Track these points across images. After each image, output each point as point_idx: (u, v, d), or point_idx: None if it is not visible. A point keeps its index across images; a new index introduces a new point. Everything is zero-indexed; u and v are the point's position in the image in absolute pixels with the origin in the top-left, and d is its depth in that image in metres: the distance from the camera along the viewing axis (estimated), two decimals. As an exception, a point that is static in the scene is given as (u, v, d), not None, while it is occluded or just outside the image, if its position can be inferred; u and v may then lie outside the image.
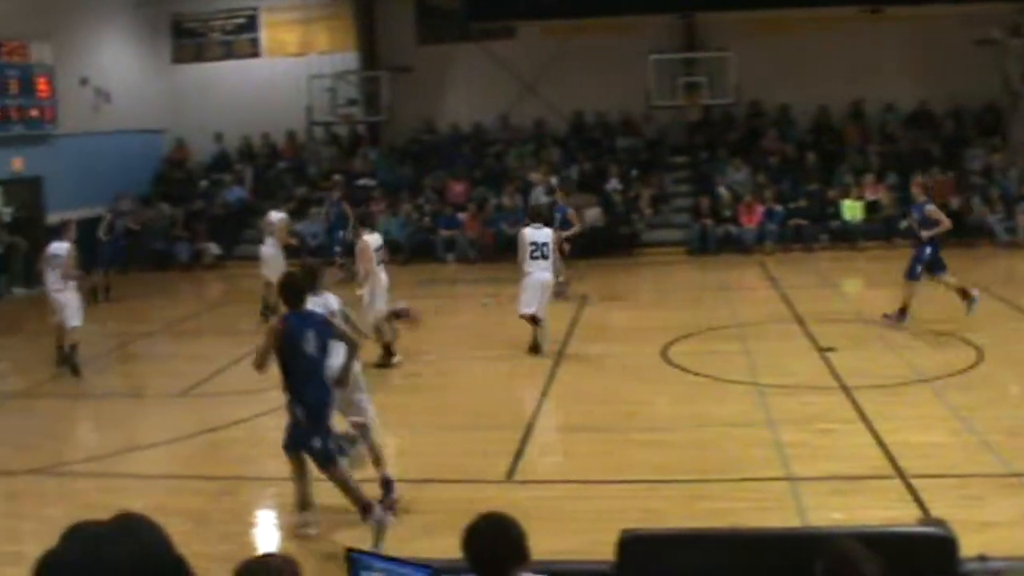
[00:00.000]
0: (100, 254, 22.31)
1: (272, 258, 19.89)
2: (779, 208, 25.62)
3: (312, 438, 9.26)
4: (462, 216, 26.23)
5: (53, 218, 24.45)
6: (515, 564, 4.68)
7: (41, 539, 7.16)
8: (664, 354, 15.31)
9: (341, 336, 9.62)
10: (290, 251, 20.64)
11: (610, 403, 13.08)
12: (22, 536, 10.04)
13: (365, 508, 8.98)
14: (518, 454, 11.21)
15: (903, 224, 19.63)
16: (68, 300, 16.53)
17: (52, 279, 16.54)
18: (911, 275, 16.50)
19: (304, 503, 9.52)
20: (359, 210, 17.97)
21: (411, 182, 28.31)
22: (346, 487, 9.14)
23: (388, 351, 15.63)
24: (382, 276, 15.64)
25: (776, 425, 11.67)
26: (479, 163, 28.84)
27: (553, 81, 28.80)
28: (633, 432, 11.89)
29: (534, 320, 15.90)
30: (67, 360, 16.38)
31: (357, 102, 29.25)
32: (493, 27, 28.17)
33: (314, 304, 10.08)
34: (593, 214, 25.40)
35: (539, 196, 24.40)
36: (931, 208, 16.77)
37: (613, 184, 26.55)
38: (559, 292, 18.75)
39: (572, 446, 11.56)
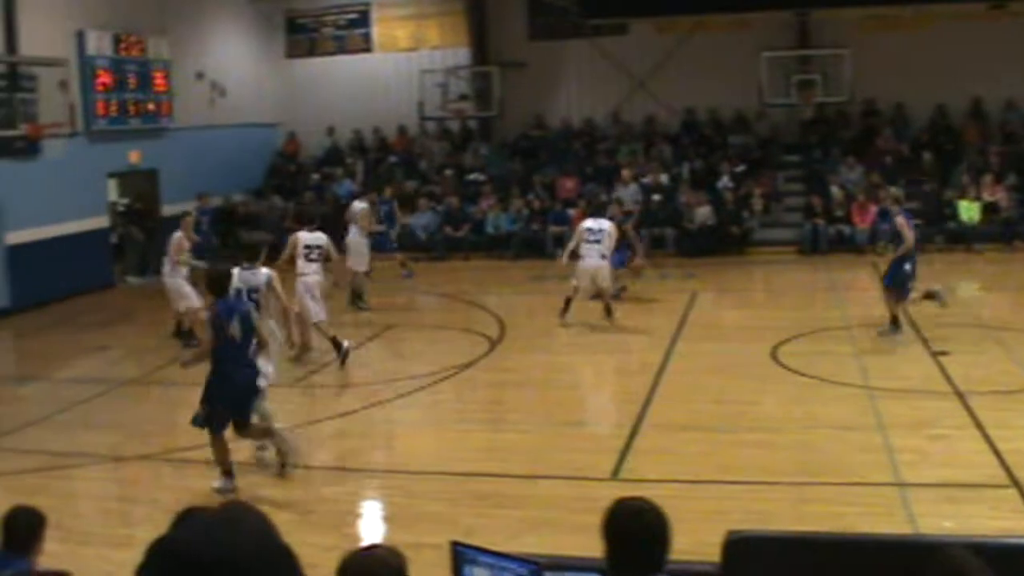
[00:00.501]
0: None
1: (356, 247, 20.15)
2: (893, 208, 25.16)
3: (241, 412, 10.67)
4: (572, 212, 26.16)
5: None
6: (662, 552, 4.52)
7: (152, 523, 7.34)
8: (774, 354, 15.13)
9: (258, 333, 10.90)
10: (375, 240, 20.89)
11: (718, 402, 12.98)
12: (134, 520, 10.25)
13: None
14: (624, 451, 11.18)
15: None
16: (180, 286, 17.19)
17: (168, 268, 17.36)
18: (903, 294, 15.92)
19: (226, 470, 10.67)
20: (296, 207, 17.97)
21: (521, 177, 28.32)
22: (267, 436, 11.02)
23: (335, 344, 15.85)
24: (315, 276, 16.17)
25: (886, 429, 11.47)
26: (589, 159, 28.76)
27: (665, 78, 28.62)
28: (741, 432, 11.78)
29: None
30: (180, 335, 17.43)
31: (468, 97, 29.36)
32: (605, 23, 28.06)
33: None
34: (704, 212, 25.22)
35: (632, 193, 24.35)
36: (900, 220, 16.05)
37: (724, 182, 26.30)
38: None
39: (679, 445, 11.47)
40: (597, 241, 17.14)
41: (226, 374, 10.64)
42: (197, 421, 10.72)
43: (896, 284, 15.90)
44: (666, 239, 25.43)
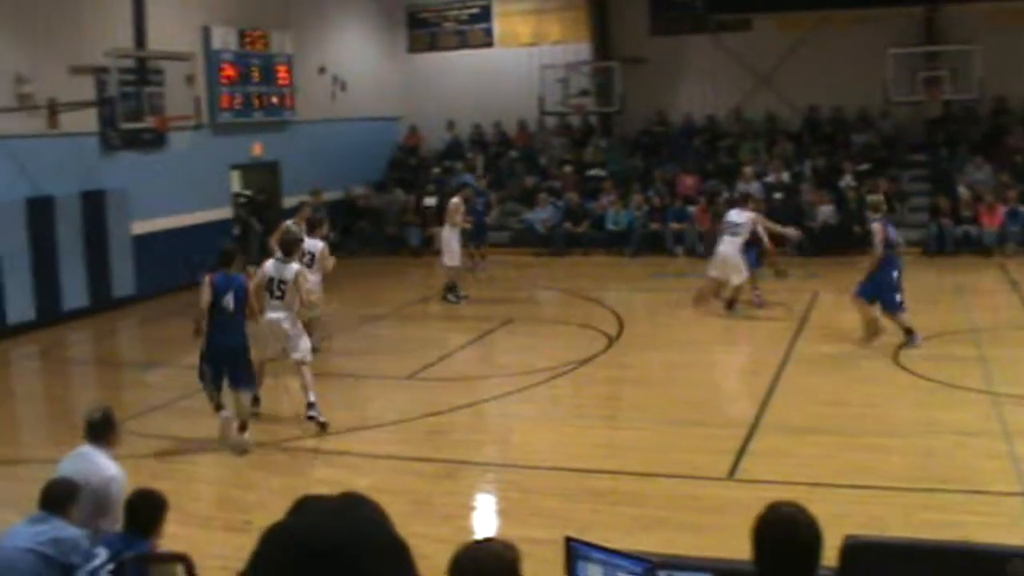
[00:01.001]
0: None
1: (447, 243, 20.37)
2: (1023, 209, 24.56)
3: (245, 369, 12.16)
4: (692, 209, 25.98)
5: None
6: (815, 563, 4.34)
7: (267, 510, 7.43)
8: (895, 357, 14.86)
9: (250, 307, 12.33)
10: (466, 234, 21.16)
11: (838, 405, 12.78)
12: (251, 506, 10.40)
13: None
14: (741, 452, 11.06)
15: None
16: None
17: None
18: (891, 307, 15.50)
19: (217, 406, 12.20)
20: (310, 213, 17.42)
21: (641, 174, 28.20)
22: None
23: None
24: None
25: (1012, 437, 11.16)
26: (711, 156, 28.52)
27: (787, 74, 28.26)
28: (860, 436, 11.59)
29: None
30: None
31: (589, 92, 29.28)
32: (728, 19, 27.81)
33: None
34: (826, 211, 24.86)
35: (756, 190, 24.11)
36: (875, 226, 15.64)
37: (847, 181, 25.88)
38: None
39: (796, 447, 11.31)
40: (735, 234, 17.62)
41: (215, 339, 12.05)
42: (198, 374, 12.26)
43: (875, 293, 15.56)
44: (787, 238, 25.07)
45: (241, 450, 12.02)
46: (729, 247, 17.80)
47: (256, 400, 13.04)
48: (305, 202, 19.11)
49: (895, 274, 15.47)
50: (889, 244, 15.53)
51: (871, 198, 17.34)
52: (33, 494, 7.24)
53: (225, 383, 12.13)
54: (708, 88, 29.48)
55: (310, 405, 12.63)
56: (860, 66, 26.55)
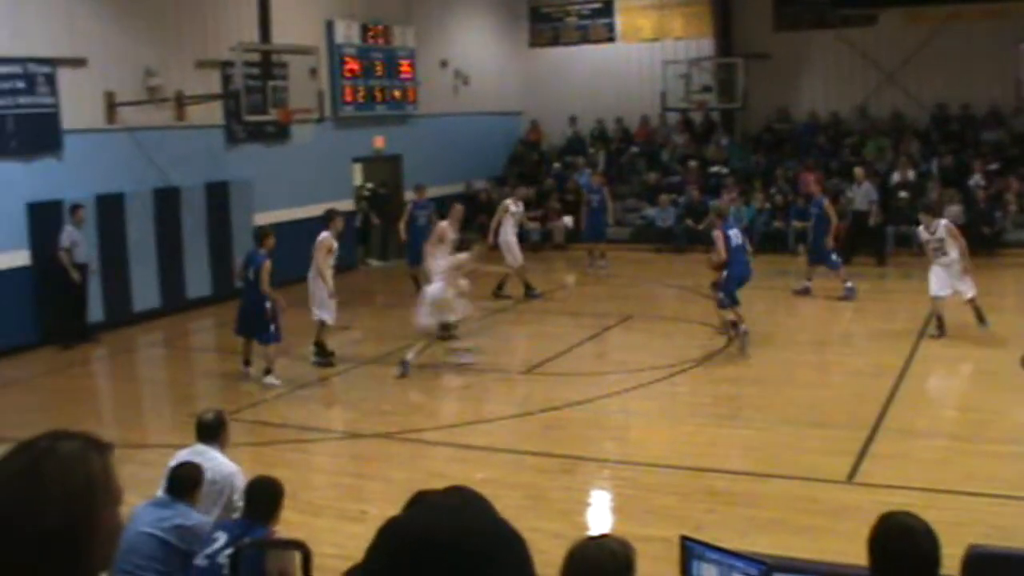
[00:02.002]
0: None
1: (506, 245, 20.64)
2: None
3: (263, 327, 14.91)
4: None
5: (411, 196, 25.51)
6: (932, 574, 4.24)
7: (385, 500, 7.47)
8: (1024, 361, 14.47)
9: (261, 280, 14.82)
10: (588, 229, 21.39)
11: (962, 409, 12.52)
12: (368, 496, 10.50)
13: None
14: (861, 455, 10.87)
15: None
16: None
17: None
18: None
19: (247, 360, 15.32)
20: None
21: (764, 171, 27.90)
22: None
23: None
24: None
25: None
26: (835, 154, 28.09)
27: (914, 70, 27.72)
28: (985, 442, 11.31)
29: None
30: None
31: (711, 89, 29.01)
32: (853, 14, 27.36)
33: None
34: (954, 211, 24.31)
35: (865, 192, 23.70)
36: (716, 233, 16.22)
37: (976, 180, 25.30)
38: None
39: (918, 451, 11.08)
40: (941, 251, 16.46)
41: (241, 303, 15.53)
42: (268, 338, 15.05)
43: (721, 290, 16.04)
44: (912, 238, 24.60)
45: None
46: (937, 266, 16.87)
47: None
48: (456, 204, 19.26)
49: (735, 275, 15.94)
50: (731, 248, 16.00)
51: (715, 204, 18.46)
52: (156, 478, 7.38)
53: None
54: (832, 84, 29.07)
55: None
56: (990, 62, 25.96)
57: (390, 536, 2.06)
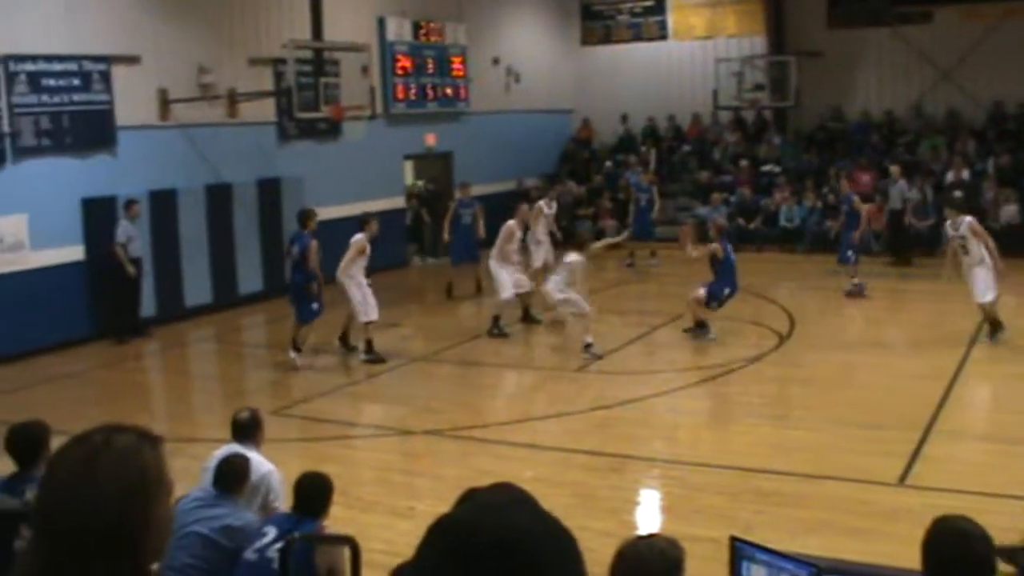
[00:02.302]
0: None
1: (536, 245, 20.48)
2: None
3: (306, 305, 15.65)
4: (868, 207, 25.40)
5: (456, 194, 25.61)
6: None
7: (434, 497, 7.48)
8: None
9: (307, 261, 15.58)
10: (554, 239, 21.17)
11: (1016, 412, 12.34)
12: (417, 493, 10.51)
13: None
14: (913, 457, 10.76)
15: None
16: (500, 275, 17.59)
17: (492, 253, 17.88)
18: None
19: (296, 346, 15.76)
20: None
21: (816, 170, 27.71)
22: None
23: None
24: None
25: None
26: (888, 153, 27.85)
27: (971, 68, 27.41)
28: (1041, 444, 11.18)
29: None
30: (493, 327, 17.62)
31: (764, 87, 28.85)
32: (909, 11, 27.12)
33: None
34: (1009, 211, 24.06)
35: (900, 189, 23.49)
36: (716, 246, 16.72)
37: (1032, 179, 25.02)
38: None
39: (972, 454, 10.97)
40: (964, 249, 16.08)
41: (289, 284, 16.35)
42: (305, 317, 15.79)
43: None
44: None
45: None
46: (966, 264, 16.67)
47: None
48: (521, 204, 19.36)
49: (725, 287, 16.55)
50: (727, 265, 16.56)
51: (716, 221, 18.60)
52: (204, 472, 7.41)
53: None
54: (886, 83, 28.82)
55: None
56: (1050, 59, 25.66)
57: (441, 533, 2.06)
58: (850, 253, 19.99)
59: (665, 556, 3.98)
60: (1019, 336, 16.32)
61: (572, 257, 15.91)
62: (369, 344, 16.18)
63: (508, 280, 17.63)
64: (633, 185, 26.09)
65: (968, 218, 15.93)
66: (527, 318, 18.09)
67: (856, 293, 19.71)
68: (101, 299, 17.99)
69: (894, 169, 23.98)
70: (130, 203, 17.96)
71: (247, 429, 7.93)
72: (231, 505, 6.84)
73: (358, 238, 16.10)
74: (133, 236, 17.91)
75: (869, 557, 7.23)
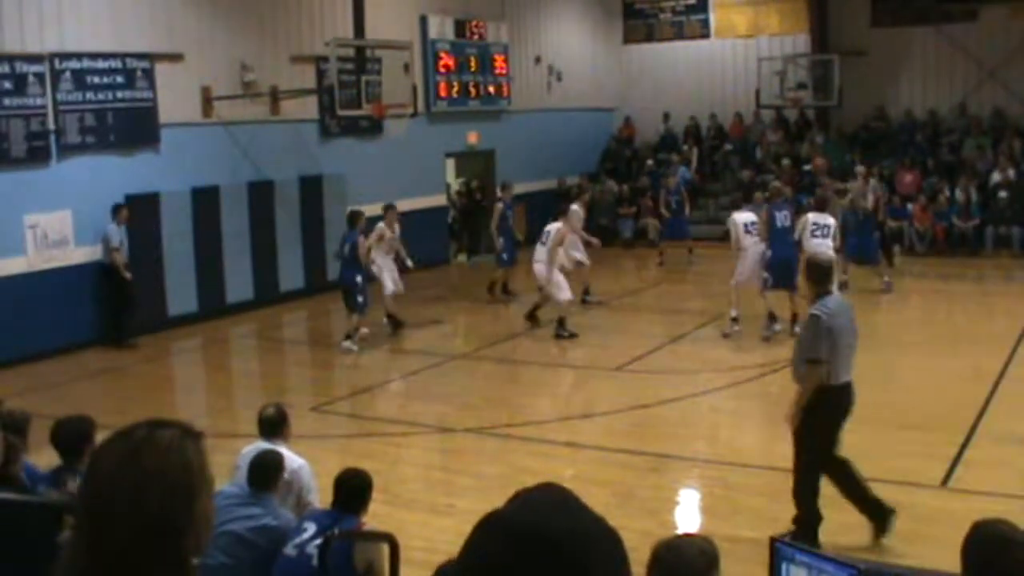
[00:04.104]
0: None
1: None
2: None
3: (354, 298, 16.52)
4: (911, 207, 25.24)
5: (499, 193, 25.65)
6: None
7: (475, 495, 7.48)
8: None
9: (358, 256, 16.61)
10: (670, 227, 22.09)
11: (1064, 415, 12.21)
12: (457, 491, 10.52)
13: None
14: (956, 460, 10.67)
15: None
16: (543, 272, 17.53)
17: (538, 253, 17.75)
18: None
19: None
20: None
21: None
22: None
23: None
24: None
25: None
26: (932, 152, 27.65)
27: (1016, 67, 27.16)
28: (1087, 448, 11.05)
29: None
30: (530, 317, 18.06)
31: (806, 86, 28.70)
32: (954, 10, 26.91)
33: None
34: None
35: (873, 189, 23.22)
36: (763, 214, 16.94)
37: (1076, 180, 24.76)
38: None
39: (1016, 458, 10.84)
40: (825, 236, 16.70)
41: (341, 281, 17.06)
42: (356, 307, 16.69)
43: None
44: (1012, 239, 24.20)
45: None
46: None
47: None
48: (572, 206, 19.27)
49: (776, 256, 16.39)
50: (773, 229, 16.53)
51: (773, 184, 18.91)
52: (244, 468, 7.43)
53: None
54: (930, 82, 28.61)
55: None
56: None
57: (490, 531, 2.06)
58: (874, 252, 19.89)
59: (703, 554, 3.98)
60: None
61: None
62: (391, 316, 17.90)
63: (563, 280, 17.58)
64: (683, 183, 25.96)
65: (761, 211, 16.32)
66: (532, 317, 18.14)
67: (886, 290, 19.58)
68: (141, 296, 18.10)
69: (860, 169, 23.15)
70: (120, 208, 17.51)
71: (274, 425, 7.93)
72: (268, 503, 6.83)
73: (379, 225, 17.65)
74: (123, 240, 17.59)
75: (910, 560, 7.20)
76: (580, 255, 19.62)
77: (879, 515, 8.57)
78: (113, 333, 17.59)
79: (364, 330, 16.93)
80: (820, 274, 8.78)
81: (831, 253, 15.35)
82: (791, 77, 28.45)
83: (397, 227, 17.91)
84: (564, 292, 17.44)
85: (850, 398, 8.67)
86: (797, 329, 15.33)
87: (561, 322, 17.27)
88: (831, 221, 17.17)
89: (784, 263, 16.12)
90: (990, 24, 27.20)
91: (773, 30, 30.20)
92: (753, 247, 16.83)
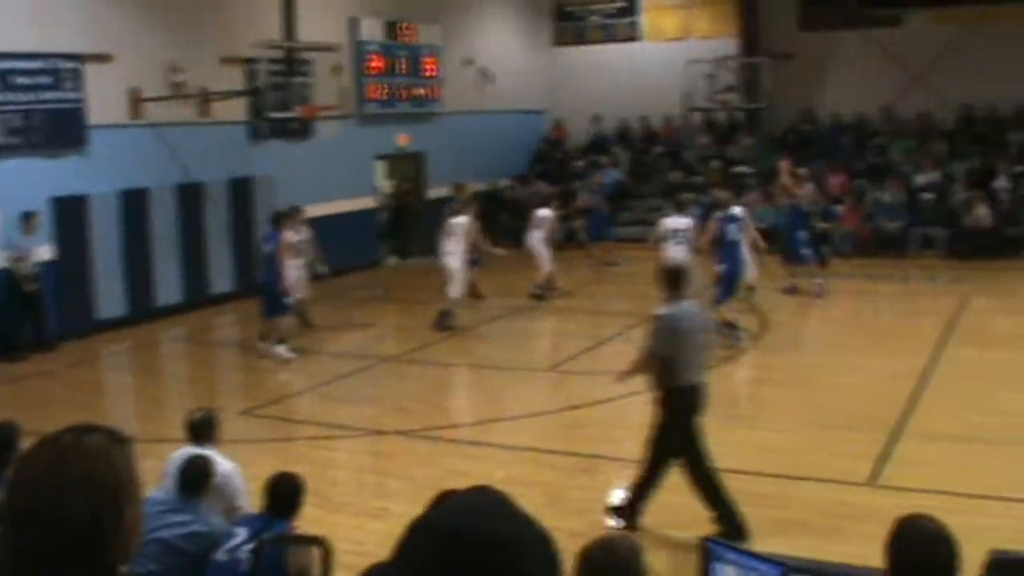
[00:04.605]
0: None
1: (535, 251, 20.90)
2: None
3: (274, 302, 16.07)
4: (839, 209, 25.51)
5: (433, 192, 25.69)
6: None
7: (406, 498, 7.47)
8: (1051, 365, 14.37)
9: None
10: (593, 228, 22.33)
11: (987, 413, 12.40)
12: (389, 493, 10.51)
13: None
14: (884, 458, 10.82)
15: None
16: (453, 264, 17.96)
17: (448, 247, 18.05)
18: None
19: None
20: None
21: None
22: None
23: None
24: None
25: None
26: (860, 155, 27.97)
27: (941, 71, 27.52)
28: (1010, 446, 11.21)
29: None
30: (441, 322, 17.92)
31: (735, 88, 28.94)
32: (880, 14, 27.24)
33: None
34: (979, 213, 24.20)
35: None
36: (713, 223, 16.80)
37: (1002, 182, 25.15)
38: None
39: (942, 455, 11.01)
40: (680, 242, 17.19)
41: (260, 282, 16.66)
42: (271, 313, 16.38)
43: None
44: (937, 239, 24.55)
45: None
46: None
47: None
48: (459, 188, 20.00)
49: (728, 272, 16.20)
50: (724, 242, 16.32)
51: (719, 194, 18.29)
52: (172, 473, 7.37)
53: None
54: (857, 85, 28.92)
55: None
56: (1018, 63, 25.85)
57: (422, 536, 2.06)
58: (805, 251, 20.04)
59: (635, 551, 4.01)
60: (988, 337, 16.45)
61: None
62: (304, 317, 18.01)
63: (464, 276, 18.31)
64: (608, 185, 26.15)
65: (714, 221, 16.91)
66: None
67: (818, 294, 19.76)
68: (68, 299, 17.90)
69: (802, 172, 23.36)
70: (29, 216, 16.97)
71: (203, 429, 7.86)
72: (197, 509, 6.76)
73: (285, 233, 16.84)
74: (28, 250, 17.01)
75: (839, 557, 7.27)
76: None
77: (729, 526, 8.83)
78: (5, 345, 16.90)
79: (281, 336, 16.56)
80: (669, 279, 9.20)
81: (685, 258, 15.65)
82: (720, 80, 28.63)
83: (304, 230, 17.69)
84: (459, 288, 17.95)
85: (699, 399, 9.13)
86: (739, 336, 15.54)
87: (446, 314, 17.80)
88: (684, 224, 17.55)
89: (735, 275, 16.19)
90: (915, 29, 27.56)
91: (702, 33, 30.39)
92: (675, 254, 16.63)
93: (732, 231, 16.26)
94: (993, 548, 5.53)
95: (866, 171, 27.02)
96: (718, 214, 16.84)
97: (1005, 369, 14.49)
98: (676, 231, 17.30)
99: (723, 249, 16.28)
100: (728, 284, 16.25)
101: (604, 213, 25.35)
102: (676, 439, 9.06)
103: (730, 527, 8.74)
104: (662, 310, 8.95)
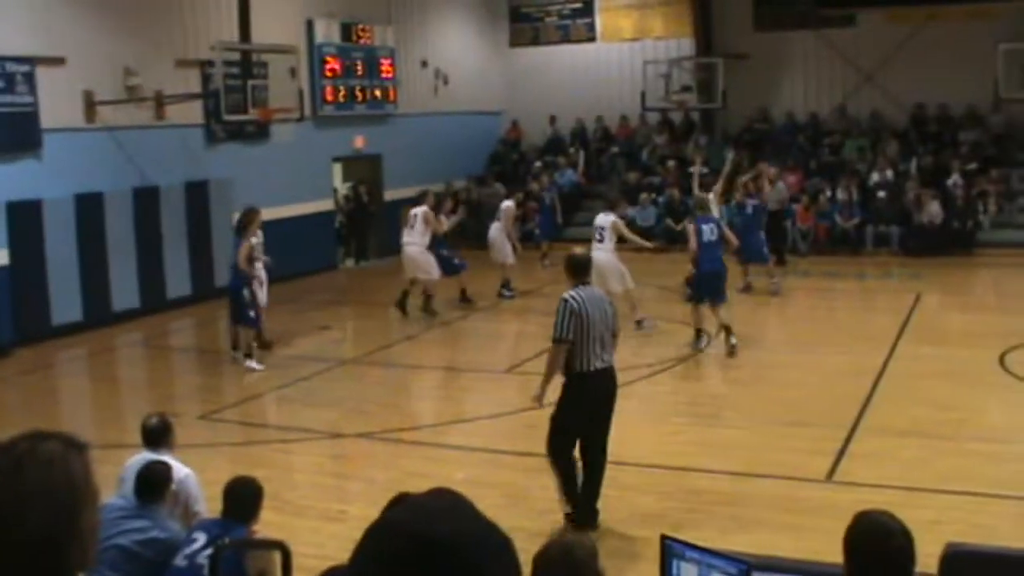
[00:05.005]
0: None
1: (496, 241, 21.06)
2: None
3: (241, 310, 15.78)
4: (795, 207, 25.67)
5: (390, 195, 25.68)
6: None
7: (366, 500, 7.45)
8: (1002, 361, 14.51)
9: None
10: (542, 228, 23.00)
11: (941, 408, 12.50)
12: (348, 496, 10.49)
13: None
14: (841, 454, 10.89)
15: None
16: (417, 255, 18.66)
17: (408, 236, 18.75)
18: None
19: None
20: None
21: (744, 171, 27.90)
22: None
23: None
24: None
25: None
26: (814, 154, 28.16)
27: (894, 71, 27.76)
28: (964, 441, 11.33)
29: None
30: (426, 308, 18.89)
31: (691, 88, 29.07)
32: (833, 14, 27.42)
33: None
34: (931, 211, 24.41)
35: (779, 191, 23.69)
36: (690, 226, 16.76)
37: (954, 180, 25.37)
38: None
39: (897, 450, 11.09)
40: (599, 240, 17.47)
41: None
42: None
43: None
44: (891, 237, 24.75)
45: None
46: (596, 253, 16.42)
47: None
48: (428, 189, 20.42)
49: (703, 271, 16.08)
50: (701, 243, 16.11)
51: (697, 196, 18.36)
52: (130, 479, 7.31)
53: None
54: (812, 85, 29.15)
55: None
56: (968, 62, 26.00)
57: (379, 538, 2.06)
58: (765, 250, 20.16)
59: (591, 551, 4.03)
60: (942, 334, 16.60)
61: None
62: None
63: (434, 263, 18.97)
64: (565, 186, 26.27)
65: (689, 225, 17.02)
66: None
67: (774, 292, 19.88)
68: (22, 305, 17.76)
69: (771, 172, 23.55)
70: None
71: (158, 434, 7.79)
72: (155, 515, 6.71)
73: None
74: None
75: (800, 553, 7.30)
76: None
77: (582, 517, 9.18)
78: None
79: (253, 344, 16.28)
80: (573, 268, 9.43)
81: (599, 254, 15.74)
82: (676, 80, 28.77)
83: (260, 233, 17.08)
84: (435, 272, 18.82)
85: (601, 384, 9.25)
86: (733, 341, 15.52)
87: (429, 298, 18.83)
88: (603, 221, 17.75)
89: (715, 276, 16.08)
90: (868, 29, 27.77)
91: (658, 34, 30.51)
92: (600, 255, 16.67)
93: (707, 232, 16.22)
94: (950, 541, 5.59)
95: (820, 170, 27.19)
96: (695, 216, 16.85)
97: (956, 365, 14.61)
98: (598, 228, 17.48)
99: (699, 250, 16.22)
100: (701, 285, 16.22)
101: (553, 212, 25.82)
102: (570, 422, 9.29)
103: (581, 515, 9.15)
104: (567, 294, 9.12)
